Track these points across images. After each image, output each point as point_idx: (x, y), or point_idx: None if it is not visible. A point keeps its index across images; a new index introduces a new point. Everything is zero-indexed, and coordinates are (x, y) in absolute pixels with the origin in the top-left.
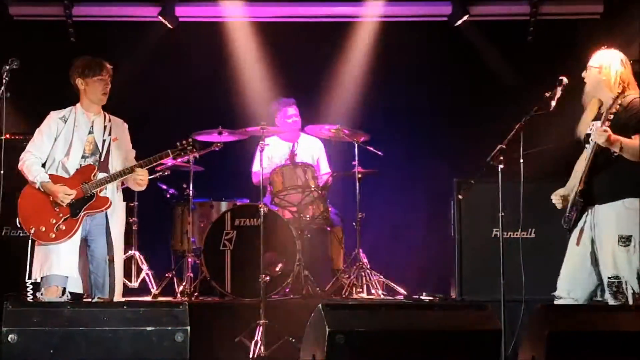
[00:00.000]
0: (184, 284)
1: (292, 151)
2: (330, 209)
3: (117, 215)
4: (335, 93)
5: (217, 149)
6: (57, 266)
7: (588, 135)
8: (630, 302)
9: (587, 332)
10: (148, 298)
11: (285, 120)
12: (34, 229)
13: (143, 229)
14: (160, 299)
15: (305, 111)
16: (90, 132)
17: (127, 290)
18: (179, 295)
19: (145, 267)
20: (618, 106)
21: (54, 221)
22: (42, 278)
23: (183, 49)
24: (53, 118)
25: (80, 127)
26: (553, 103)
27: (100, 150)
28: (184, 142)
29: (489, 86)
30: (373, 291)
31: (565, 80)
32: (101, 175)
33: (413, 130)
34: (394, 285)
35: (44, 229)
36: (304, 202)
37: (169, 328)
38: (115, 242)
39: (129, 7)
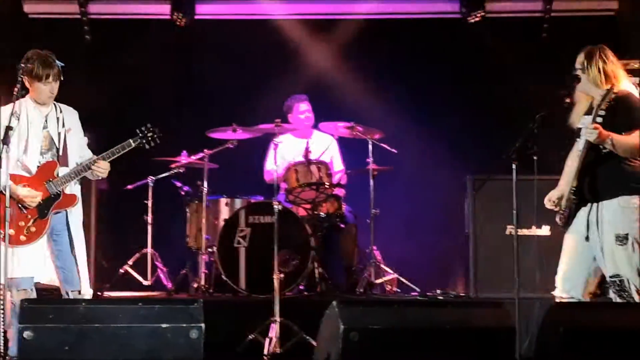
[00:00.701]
0: (198, 280)
1: (306, 148)
2: (344, 206)
3: (76, 208)
4: (349, 90)
5: (231, 146)
6: (23, 268)
7: (580, 129)
8: (636, 299)
9: (602, 329)
10: (163, 295)
11: (298, 116)
12: (2, 233)
13: (157, 226)
14: (175, 296)
15: (319, 108)
16: (45, 127)
17: (141, 287)
18: (193, 292)
19: (160, 264)
20: (607, 103)
21: (23, 224)
22: (9, 279)
23: (197, 47)
24: (4, 114)
25: (34, 123)
26: (568, 100)
27: (57, 145)
28: (143, 128)
29: (503, 84)
30: (387, 288)
31: (579, 77)
32: (62, 170)
33: (427, 127)
34: (408, 282)
35: (13, 232)
36: (318, 200)
37: (184, 325)
38: (76, 236)
39: (144, 4)
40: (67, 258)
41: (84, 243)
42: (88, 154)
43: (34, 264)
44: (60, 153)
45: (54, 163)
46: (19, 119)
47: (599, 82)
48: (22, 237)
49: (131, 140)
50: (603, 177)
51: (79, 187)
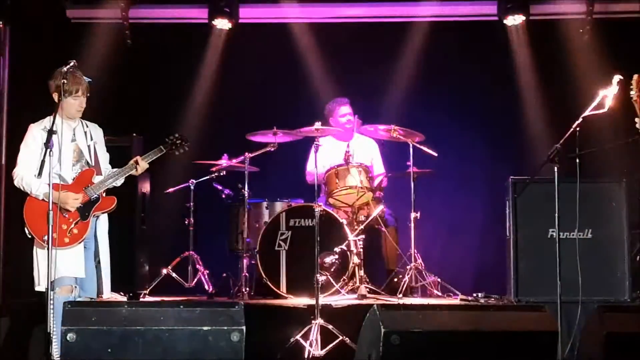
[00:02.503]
0: (239, 284)
1: (346, 151)
2: (385, 209)
3: (103, 217)
4: (390, 93)
5: (272, 149)
6: (67, 268)
7: None
8: None
9: None
10: (204, 298)
11: (339, 119)
12: (47, 236)
13: (199, 229)
14: (216, 299)
15: (359, 112)
16: (73, 140)
17: (182, 290)
18: (234, 295)
19: (201, 267)
20: None
21: (65, 227)
22: (53, 281)
23: (238, 50)
24: (37, 129)
25: (64, 135)
26: (609, 102)
27: (88, 157)
28: (172, 137)
29: (544, 86)
30: (428, 291)
31: (621, 79)
32: (97, 178)
33: (468, 130)
34: (449, 285)
35: (56, 235)
36: (358, 203)
37: (225, 328)
38: (102, 244)
39: (185, 9)
40: (89, 266)
41: (108, 250)
42: (110, 168)
43: (77, 263)
44: (92, 164)
45: (92, 170)
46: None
47: None
48: (66, 239)
49: (162, 147)
50: None
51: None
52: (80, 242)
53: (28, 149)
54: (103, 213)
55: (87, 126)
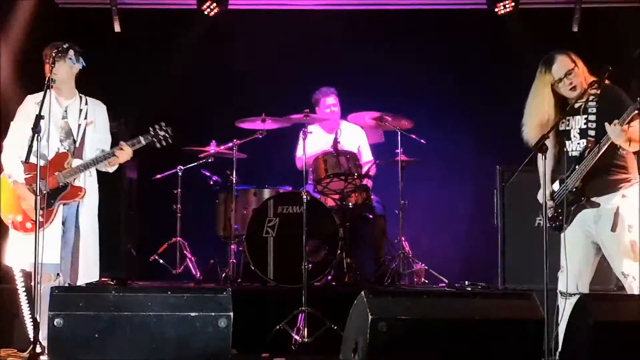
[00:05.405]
0: (227, 270)
1: (335, 139)
2: (372, 197)
3: (89, 200)
4: (378, 81)
5: (260, 136)
6: (46, 255)
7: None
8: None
9: (632, 322)
10: (191, 284)
11: (324, 110)
12: (11, 218)
13: (186, 215)
14: (204, 285)
15: (348, 99)
16: (64, 117)
17: (170, 277)
18: (221, 281)
19: (188, 253)
20: (592, 96)
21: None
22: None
23: (226, 37)
24: (30, 102)
25: (54, 112)
26: (598, 91)
27: (75, 136)
28: (157, 126)
29: (532, 75)
30: (415, 279)
31: (610, 69)
32: (76, 161)
33: (456, 118)
34: (436, 273)
35: (20, 219)
36: (346, 190)
37: (213, 314)
38: (85, 228)
39: None
40: (69, 252)
41: (95, 233)
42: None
43: (51, 248)
44: (77, 145)
45: (66, 154)
46: (41, 107)
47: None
48: (28, 224)
49: (141, 138)
50: (606, 172)
51: (95, 178)
52: (45, 228)
53: (18, 127)
54: (70, 202)
55: (86, 103)
